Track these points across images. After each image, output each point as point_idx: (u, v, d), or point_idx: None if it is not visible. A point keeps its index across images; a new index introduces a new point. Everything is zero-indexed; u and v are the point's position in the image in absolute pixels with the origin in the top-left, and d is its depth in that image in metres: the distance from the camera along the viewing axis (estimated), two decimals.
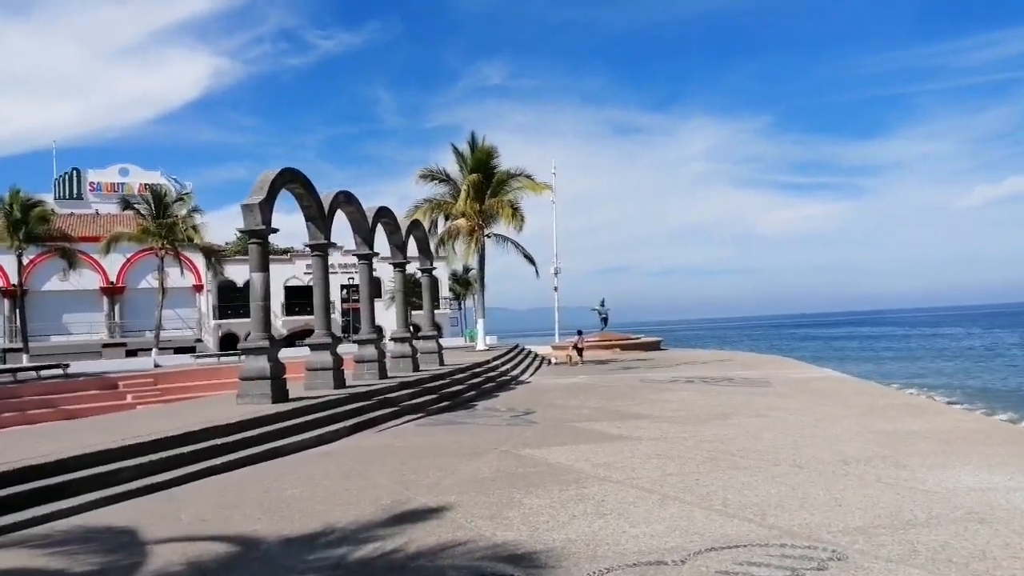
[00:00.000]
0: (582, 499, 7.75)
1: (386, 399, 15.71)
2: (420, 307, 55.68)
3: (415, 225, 22.40)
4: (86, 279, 46.87)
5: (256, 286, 13.89)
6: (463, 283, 57.38)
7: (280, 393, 13.65)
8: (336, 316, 49.02)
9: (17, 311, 43.02)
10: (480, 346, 35.04)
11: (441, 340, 51.41)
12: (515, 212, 35.33)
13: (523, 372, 28.12)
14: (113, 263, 47.17)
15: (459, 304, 59.70)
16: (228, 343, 49.36)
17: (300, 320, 51.37)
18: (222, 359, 38.69)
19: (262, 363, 13.59)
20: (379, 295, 49.40)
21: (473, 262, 37.74)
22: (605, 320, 53.79)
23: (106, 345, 46.66)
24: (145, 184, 49.95)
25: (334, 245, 16.59)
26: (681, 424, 13.21)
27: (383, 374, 18.57)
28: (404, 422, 14.54)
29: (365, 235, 18.71)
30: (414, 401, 16.46)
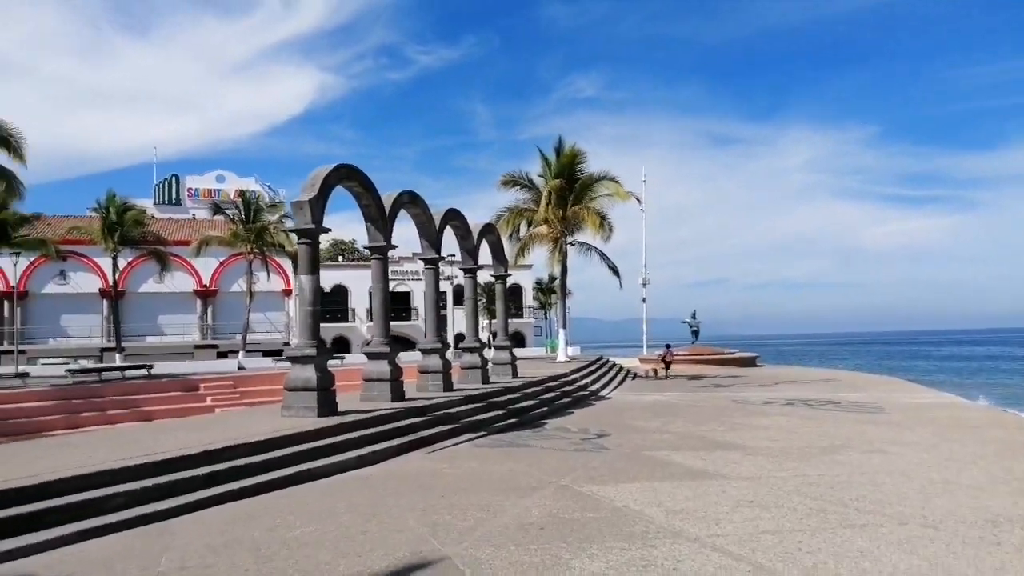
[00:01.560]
0: (646, 566, 6.05)
1: (446, 415, 14.34)
2: (512, 315, 54.76)
3: (488, 229, 21.03)
4: (181, 282, 47.99)
5: (305, 289, 12.80)
6: (548, 292, 55.88)
7: (327, 406, 12.48)
8: (419, 324, 48.47)
9: (117, 312, 44.32)
10: (561, 357, 33.39)
11: (522, 350, 50.36)
12: (602, 221, 33.58)
13: (604, 387, 26.31)
14: (207, 266, 48.15)
15: (544, 314, 58.18)
16: None
17: None
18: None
19: (308, 373, 12.45)
20: (460, 303, 48.59)
21: (556, 270, 36.14)
22: (696, 333, 51.16)
23: (198, 346, 47.58)
24: (239, 190, 50.89)
25: (395, 247, 15.38)
26: (779, 459, 11.22)
27: (448, 386, 17.26)
28: (461, 441, 13.11)
29: (432, 239, 17.45)
30: (477, 418, 15.03)
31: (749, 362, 44.50)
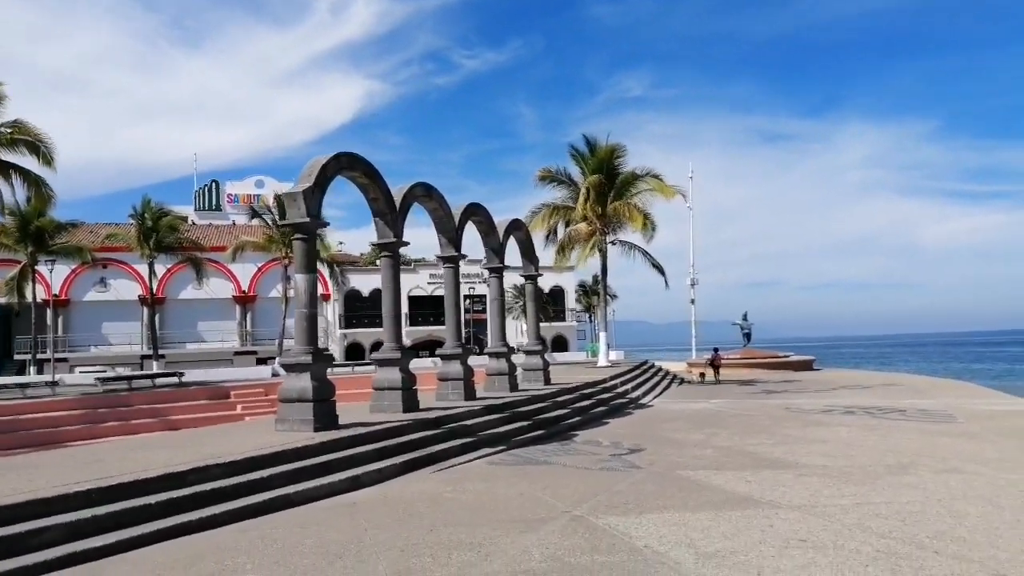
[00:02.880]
0: None
1: (462, 427, 13.03)
2: (546, 318, 53.19)
3: (515, 225, 19.67)
4: (220, 288, 47.83)
5: (300, 290, 11.63)
6: (591, 294, 54.25)
7: (325, 419, 11.28)
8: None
9: (154, 319, 44.32)
10: (601, 362, 31.83)
11: (564, 355, 48.85)
12: (645, 219, 31.95)
13: (647, 393, 24.71)
14: (245, 272, 47.91)
15: (588, 317, 56.57)
16: (353, 353, 48.93)
17: (423, 331, 50.21)
18: (345, 369, 37.90)
19: (303, 382, 11.28)
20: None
21: (597, 270, 34.60)
22: (748, 335, 49.00)
23: (238, 353, 47.32)
24: (277, 194, 50.56)
25: (407, 244, 14.16)
26: (838, 481, 9.61)
27: (470, 395, 15.96)
28: (476, 458, 11.78)
29: (451, 236, 16.19)
30: (497, 430, 13.69)
31: (805, 366, 42.23)
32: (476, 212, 17.40)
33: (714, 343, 42.07)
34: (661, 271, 34.91)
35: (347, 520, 7.86)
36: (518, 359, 19.19)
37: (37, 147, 26.52)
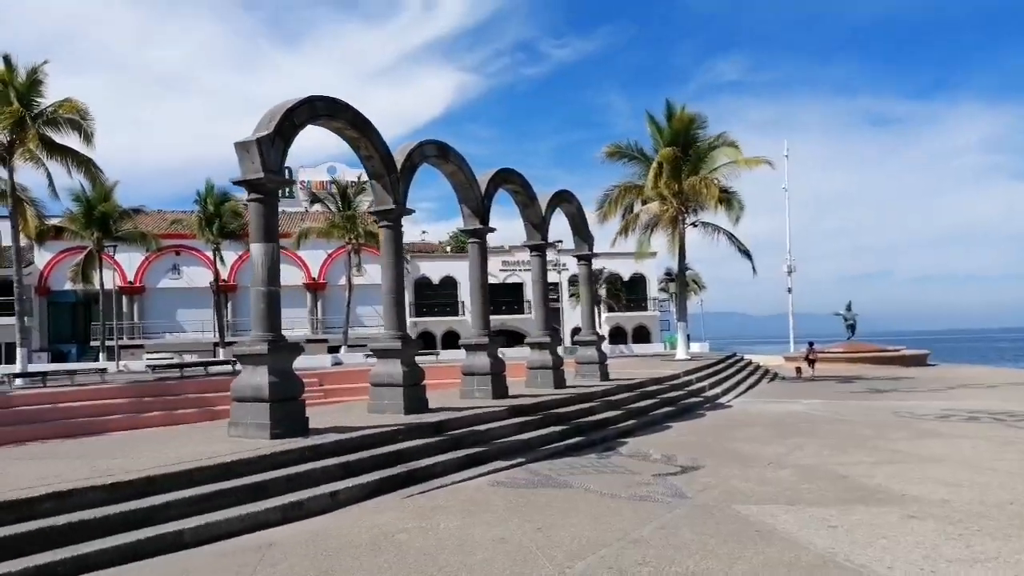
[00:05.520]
0: None
1: (472, 434, 10.57)
2: (618, 307, 49.96)
3: (563, 197, 16.94)
4: (290, 275, 47.00)
5: (256, 264, 9.46)
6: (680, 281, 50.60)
7: (287, 422, 9.05)
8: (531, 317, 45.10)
9: (224, 306, 43.99)
10: (680, 355, 28.67)
11: (643, 347, 45.60)
12: (724, 196, 28.48)
13: (728, 391, 21.56)
14: (315, 259, 46.93)
15: (676, 306, 52.91)
16: (425, 342, 47.31)
17: (496, 320, 47.92)
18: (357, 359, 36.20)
19: (259, 378, 9.08)
20: (574, 294, 44.52)
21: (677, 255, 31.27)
22: (852, 327, 44.54)
23: (309, 341, 46.36)
24: (351, 181, 49.47)
25: (411, 212, 11.79)
26: (967, 529, 6.62)
27: (499, 392, 13.48)
28: (477, 475, 9.28)
29: (475, 206, 13.68)
30: (520, 437, 11.14)
31: (918, 361, 37.64)
32: (509, 179, 14.81)
33: (816, 336, 38.19)
34: (748, 255, 31.38)
35: None
36: (563, 351, 16.49)
37: (80, 125, 25.67)
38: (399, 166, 11.48)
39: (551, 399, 13.61)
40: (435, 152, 12.54)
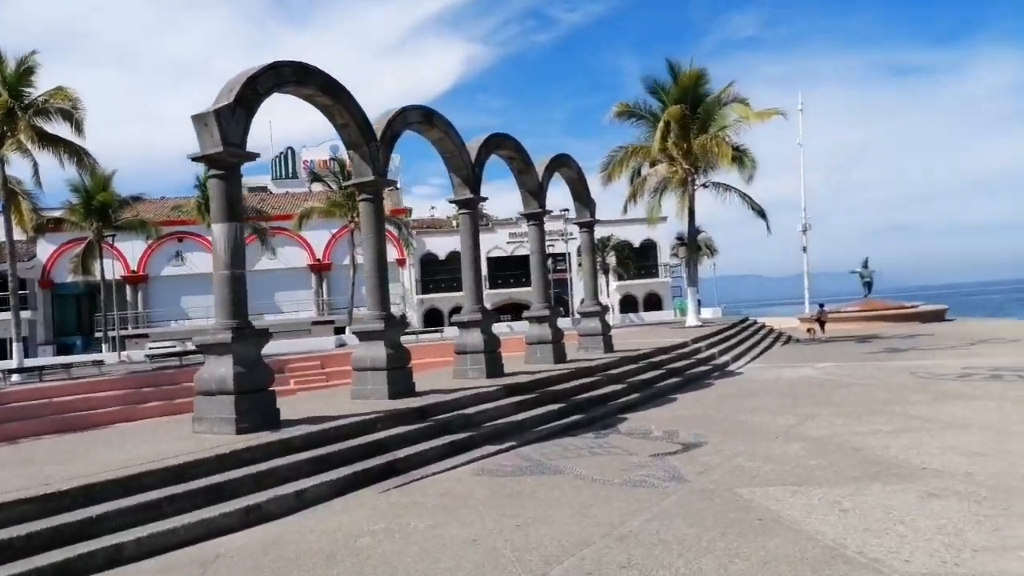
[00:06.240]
0: None
1: (460, 417, 9.94)
2: (628, 275, 49.01)
3: (561, 162, 16.10)
4: (294, 256, 46.56)
5: (219, 246, 8.77)
6: (693, 247, 49.61)
7: (255, 416, 8.43)
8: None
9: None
10: (691, 321, 27.90)
11: (655, 314, 44.79)
12: (738, 154, 27.46)
13: (739, 358, 20.84)
14: (319, 240, 46.35)
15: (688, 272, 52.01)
16: (432, 319, 46.81)
17: (504, 293, 47.39)
18: (420, 337, 35.73)
19: (223, 368, 8.45)
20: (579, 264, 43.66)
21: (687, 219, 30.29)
22: (869, 285, 43.61)
23: (315, 323, 46.02)
24: (335, 158, 48.58)
25: (393, 184, 11.06)
26: (996, 505, 5.96)
27: (493, 371, 12.84)
28: (463, 463, 8.66)
29: (465, 174, 12.92)
30: (512, 419, 10.50)
31: (936, 316, 36.68)
32: (503, 144, 14.01)
33: (834, 295, 37.28)
34: (763, 215, 30.37)
35: None
36: (565, 323, 15.82)
37: (71, 114, 25.07)
38: (379, 135, 10.74)
39: (549, 375, 12.96)
40: (419, 118, 11.77)
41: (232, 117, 8.59)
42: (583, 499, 6.97)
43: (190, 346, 34.75)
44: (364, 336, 10.87)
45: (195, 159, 8.73)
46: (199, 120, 8.55)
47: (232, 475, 7.10)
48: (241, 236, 8.89)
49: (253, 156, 8.94)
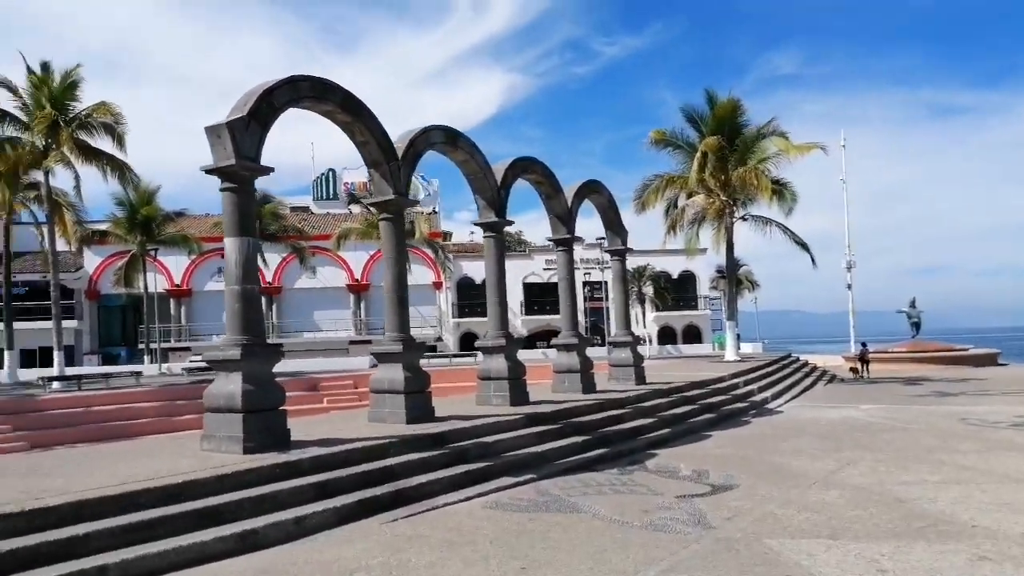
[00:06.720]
0: None
1: (478, 446, 9.54)
2: (664, 306, 48.18)
3: (591, 188, 15.75)
4: (333, 277, 46.87)
5: (231, 261, 8.61)
6: (733, 280, 48.63)
7: (264, 435, 8.16)
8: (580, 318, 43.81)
9: (270, 309, 44.06)
10: (729, 356, 27.12)
11: (693, 347, 43.86)
12: (778, 187, 26.88)
13: (780, 395, 20.07)
14: (358, 260, 46.63)
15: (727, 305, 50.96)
16: (468, 343, 46.54)
17: (542, 320, 46.96)
18: (454, 360, 35.55)
19: (232, 386, 8.21)
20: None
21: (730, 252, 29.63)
22: (917, 325, 42.14)
23: (353, 342, 46.11)
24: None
25: (415, 204, 10.81)
26: None
27: (518, 399, 12.43)
28: (476, 495, 8.24)
29: (490, 196, 12.64)
30: (534, 450, 10.07)
31: (988, 360, 35.19)
32: (529, 168, 13.73)
33: (879, 335, 36.13)
34: (805, 247, 29.64)
35: None
36: (595, 352, 15.35)
37: (113, 128, 25.56)
38: (400, 153, 10.54)
39: (575, 406, 12.49)
40: (443, 139, 11.55)
41: (246, 130, 8.44)
42: (598, 542, 6.51)
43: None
44: (382, 358, 10.59)
45: (208, 171, 8.59)
46: (212, 132, 8.42)
47: (231, 497, 6.81)
48: (253, 251, 8.72)
49: (267, 170, 8.77)
